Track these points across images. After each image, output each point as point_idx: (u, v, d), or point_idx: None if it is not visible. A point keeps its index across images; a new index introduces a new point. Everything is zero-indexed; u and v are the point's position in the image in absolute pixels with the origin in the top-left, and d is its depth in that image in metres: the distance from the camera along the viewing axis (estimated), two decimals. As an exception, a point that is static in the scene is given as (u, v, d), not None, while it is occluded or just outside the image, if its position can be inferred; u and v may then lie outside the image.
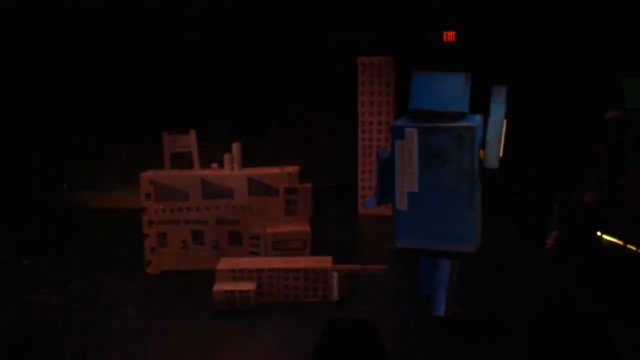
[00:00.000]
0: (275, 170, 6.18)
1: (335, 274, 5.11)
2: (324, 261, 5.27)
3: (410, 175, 4.48)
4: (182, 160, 6.46)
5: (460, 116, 4.41)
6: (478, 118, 4.46)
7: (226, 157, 6.11)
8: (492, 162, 4.35)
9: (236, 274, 5.17)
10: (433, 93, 4.44)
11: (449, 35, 9.69)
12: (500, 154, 4.37)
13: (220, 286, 5.05)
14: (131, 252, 6.68)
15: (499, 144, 4.36)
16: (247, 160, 6.31)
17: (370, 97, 8.24)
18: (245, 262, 5.35)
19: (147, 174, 6.06)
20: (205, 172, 6.09)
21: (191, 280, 5.78)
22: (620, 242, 6.28)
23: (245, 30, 9.81)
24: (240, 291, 4.97)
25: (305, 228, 5.79)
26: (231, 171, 6.08)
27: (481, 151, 4.38)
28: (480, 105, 4.54)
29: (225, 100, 9.98)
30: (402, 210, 4.55)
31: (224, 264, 5.32)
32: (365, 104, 8.27)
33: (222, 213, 6.05)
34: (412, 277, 5.62)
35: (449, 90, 4.41)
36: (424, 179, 4.45)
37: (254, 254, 5.81)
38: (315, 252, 5.87)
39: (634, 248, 6.01)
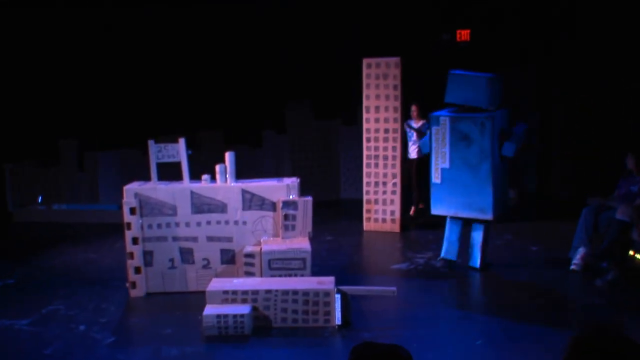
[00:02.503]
0: (272, 182, 6.17)
1: (339, 296, 5.07)
2: (326, 282, 5.23)
3: (444, 154, 6.14)
4: (170, 171, 6.46)
5: (485, 109, 6.01)
6: (499, 112, 6.10)
7: (218, 167, 6.10)
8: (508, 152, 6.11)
9: (229, 296, 5.13)
10: (462, 91, 6.08)
11: (463, 34, 9.77)
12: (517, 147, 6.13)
13: (211, 310, 5.01)
14: (112, 272, 6.67)
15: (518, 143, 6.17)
16: (242, 171, 6.31)
17: (377, 102, 8.16)
18: (239, 283, 5.31)
19: (132, 187, 6.05)
20: (196, 184, 6.08)
21: (179, 303, 5.73)
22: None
23: (240, 31, 9.89)
24: (234, 315, 4.93)
25: (305, 245, 5.76)
26: (224, 183, 6.07)
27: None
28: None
29: (218, 106, 10.02)
30: (437, 183, 6.22)
31: (216, 285, 5.28)
32: (370, 109, 8.19)
33: (213, 229, 6.03)
34: (422, 300, 5.61)
35: (474, 89, 6.03)
36: (453, 158, 6.09)
37: (249, 273, 5.78)
38: (316, 272, 5.85)
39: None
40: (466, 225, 6.37)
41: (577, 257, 6.20)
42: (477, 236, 6.35)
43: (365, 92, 8.14)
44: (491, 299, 5.65)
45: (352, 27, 9.72)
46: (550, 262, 6.70)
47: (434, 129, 6.16)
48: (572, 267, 6.21)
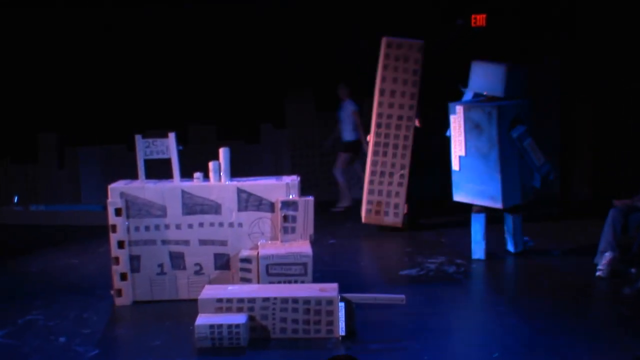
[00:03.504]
0: (270, 180, 6.17)
1: (343, 305, 5.08)
2: (329, 289, 5.24)
3: (460, 142, 6.70)
4: (159, 169, 6.47)
5: (503, 98, 6.59)
6: (513, 102, 6.61)
7: (211, 164, 6.11)
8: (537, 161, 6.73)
9: (223, 304, 5.13)
10: (482, 79, 6.74)
11: (479, 19, 9.77)
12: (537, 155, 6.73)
13: (204, 319, 5.01)
14: (96, 279, 6.68)
15: (533, 149, 6.73)
16: (237, 169, 6.32)
17: (393, 86, 8.01)
18: (235, 291, 5.32)
19: (118, 185, 6.05)
20: (187, 183, 6.09)
21: (169, 312, 5.73)
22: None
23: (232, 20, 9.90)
24: (229, 325, 4.94)
25: (306, 249, 5.77)
26: (218, 182, 6.08)
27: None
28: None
29: (211, 98, 10.03)
30: (456, 170, 6.84)
31: (209, 292, 5.28)
32: (385, 92, 8.03)
33: (206, 232, 6.03)
34: (433, 308, 5.61)
35: (493, 77, 6.62)
36: (468, 146, 6.65)
37: (245, 280, 5.79)
38: (318, 279, 5.84)
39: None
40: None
41: (603, 262, 6.19)
42: (508, 225, 7.00)
43: (381, 73, 8.02)
44: (508, 309, 5.65)
45: (357, 13, 9.75)
46: (574, 268, 6.70)
47: (451, 117, 6.73)
48: (598, 273, 6.21)
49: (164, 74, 9.92)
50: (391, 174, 8.14)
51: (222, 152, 6.08)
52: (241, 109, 10.02)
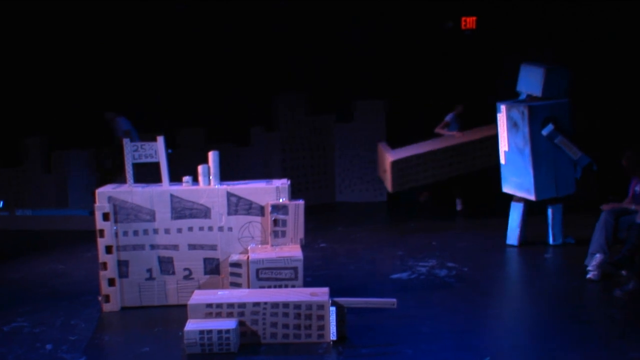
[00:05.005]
0: (260, 184, 6.16)
1: (334, 309, 5.07)
2: (320, 293, 5.23)
3: (504, 139, 7.49)
4: (148, 173, 6.44)
5: (542, 98, 7.26)
6: (549, 102, 7.25)
7: (201, 168, 6.09)
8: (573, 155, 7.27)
9: (213, 309, 5.11)
10: (526, 80, 7.48)
11: (469, 22, 9.83)
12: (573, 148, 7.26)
13: (193, 325, 4.99)
14: (83, 284, 6.63)
15: (566, 145, 7.25)
16: (227, 173, 6.30)
17: None
18: (224, 295, 5.30)
19: (105, 189, 6.02)
20: (176, 187, 6.07)
21: (158, 318, 5.70)
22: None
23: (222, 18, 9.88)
24: (219, 331, 4.92)
25: (297, 253, 5.76)
26: (207, 185, 6.06)
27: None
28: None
29: (201, 102, 10.00)
30: (502, 164, 7.61)
31: (199, 297, 5.26)
32: None
33: (196, 236, 6.01)
34: (423, 312, 5.62)
35: (533, 79, 7.31)
36: (510, 142, 7.40)
37: (235, 285, 5.77)
38: (309, 283, 5.83)
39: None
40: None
41: (593, 264, 6.23)
42: (549, 215, 7.50)
43: None
44: (501, 311, 5.67)
45: (349, 15, 9.77)
46: (565, 270, 6.74)
47: (498, 115, 7.50)
48: (589, 275, 6.24)
49: (153, 77, 9.89)
50: None
51: (212, 156, 6.07)
52: (231, 112, 10.01)
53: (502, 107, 7.43)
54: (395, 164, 8.62)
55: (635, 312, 5.57)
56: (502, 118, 7.44)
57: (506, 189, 7.67)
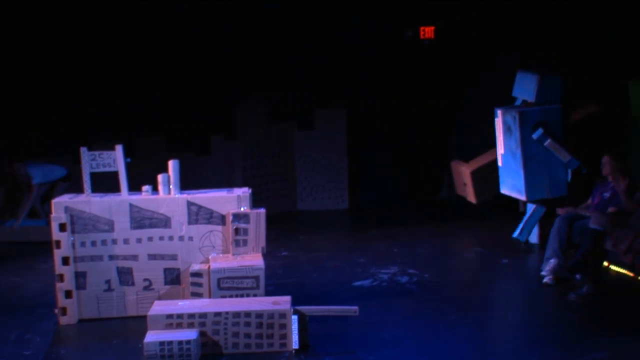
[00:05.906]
0: (221, 193, 6.14)
1: (296, 318, 5.08)
2: (282, 302, 5.23)
3: (500, 142, 7.79)
4: (105, 182, 6.34)
5: (537, 104, 7.61)
6: (540, 108, 7.53)
7: (160, 177, 6.03)
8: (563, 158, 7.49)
9: (173, 320, 5.06)
10: (520, 87, 7.84)
11: (427, 32, 10.01)
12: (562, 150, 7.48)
13: (153, 337, 4.92)
14: (39, 297, 6.48)
15: (555, 148, 7.47)
16: (187, 181, 6.25)
17: None
18: (185, 306, 5.25)
19: (62, 199, 5.91)
20: (135, 196, 5.99)
21: (117, 330, 5.62)
22: (631, 274, 6.50)
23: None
24: (179, 342, 4.87)
25: (259, 262, 5.75)
26: (167, 194, 6.01)
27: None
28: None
29: (159, 109, 9.89)
30: (500, 166, 7.92)
31: (159, 308, 5.20)
32: None
33: (156, 246, 5.94)
34: (385, 319, 5.68)
35: (528, 85, 7.71)
36: (505, 145, 7.70)
37: (196, 295, 5.73)
38: (270, 292, 5.82)
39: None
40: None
41: (547, 269, 6.39)
42: (528, 212, 7.77)
43: None
44: (460, 317, 5.76)
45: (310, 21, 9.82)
46: (522, 275, 6.89)
47: (495, 120, 7.82)
48: (544, 280, 6.40)
49: (112, 84, 9.73)
50: None
51: (172, 165, 6.02)
52: (191, 120, 9.92)
53: (499, 112, 7.75)
54: (474, 173, 8.75)
55: (589, 316, 5.74)
56: (499, 122, 7.75)
57: (504, 190, 7.97)
